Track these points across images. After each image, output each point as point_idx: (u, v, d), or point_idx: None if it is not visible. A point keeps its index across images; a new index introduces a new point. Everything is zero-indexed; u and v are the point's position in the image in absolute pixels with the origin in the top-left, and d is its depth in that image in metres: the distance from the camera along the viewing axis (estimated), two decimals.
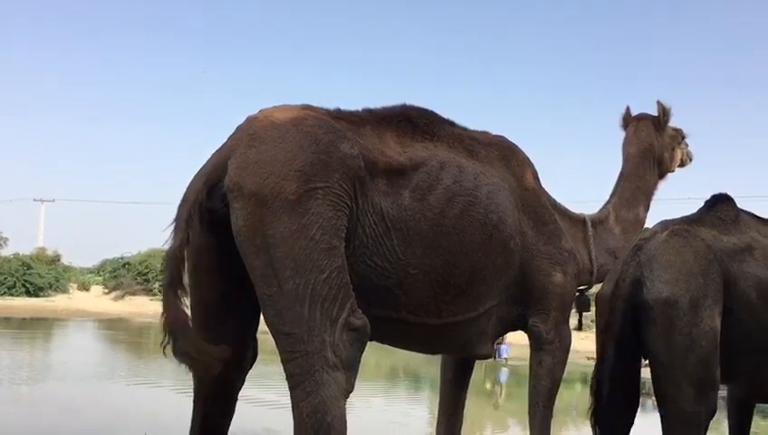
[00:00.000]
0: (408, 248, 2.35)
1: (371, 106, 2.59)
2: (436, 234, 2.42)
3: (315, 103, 2.44)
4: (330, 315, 2.06)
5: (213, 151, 2.27)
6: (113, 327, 18.74)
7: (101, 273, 32.71)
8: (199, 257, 2.26)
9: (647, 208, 3.51)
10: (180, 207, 2.19)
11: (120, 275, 29.63)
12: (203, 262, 2.26)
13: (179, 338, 2.06)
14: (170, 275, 2.09)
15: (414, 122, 2.59)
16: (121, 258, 31.26)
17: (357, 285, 2.18)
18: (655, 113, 3.60)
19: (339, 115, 2.42)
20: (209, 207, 2.17)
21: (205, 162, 2.26)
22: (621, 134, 3.64)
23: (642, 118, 3.61)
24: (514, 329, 2.96)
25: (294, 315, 2.03)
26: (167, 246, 2.13)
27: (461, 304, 2.57)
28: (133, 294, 28.20)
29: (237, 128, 2.29)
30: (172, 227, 2.16)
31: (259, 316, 2.31)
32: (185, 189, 2.24)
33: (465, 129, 2.83)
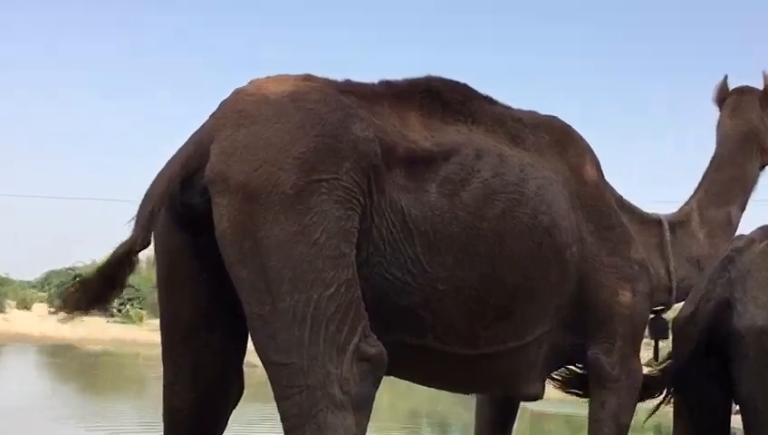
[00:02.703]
0: (436, 257, 2.36)
1: (389, 77, 2.62)
2: (471, 240, 2.43)
3: (318, 74, 2.47)
4: (336, 341, 2.07)
5: (191, 134, 2.29)
6: (60, 355, 18.90)
7: (46, 287, 32.96)
8: (172, 265, 2.28)
9: (742, 208, 3.46)
10: (144, 200, 2.21)
11: None
12: (177, 270, 2.28)
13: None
14: (103, 276, 2.16)
15: (443, 99, 2.60)
16: (72, 269, 31.36)
17: (371, 303, 2.19)
18: (761, 86, 3.53)
19: (348, 88, 2.43)
20: (185, 202, 2.19)
21: (180, 147, 2.28)
22: (714, 112, 3.59)
23: (745, 91, 3.55)
24: (570, 362, 2.97)
25: (292, 341, 2.05)
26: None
27: (503, 330, 2.57)
28: (86, 314, 28.36)
29: (222, 104, 2.30)
30: (131, 227, 2.18)
31: (246, 341, 2.33)
32: (152, 180, 2.26)
33: (507, 107, 2.84)
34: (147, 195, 2.22)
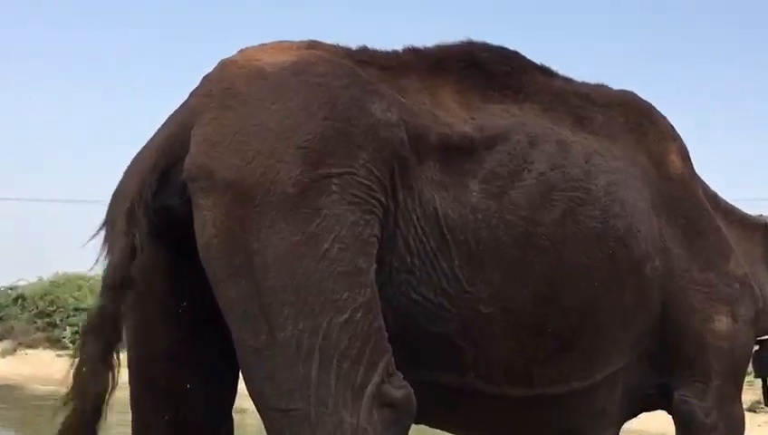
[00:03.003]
0: (479, 273, 2.37)
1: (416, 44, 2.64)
2: (523, 251, 2.43)
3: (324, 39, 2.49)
4: (351, 382, 2.07)
5: (168, 115, 2.32)
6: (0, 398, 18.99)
7: None
8: (144, 286, 2.28)
9: None
10: (114, 204, 2.22)
11: (11, 316, 29.95)
12: (150, 293, 2.30)
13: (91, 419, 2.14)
14: (103, 315, 2.16)
15: (487, 70, 2.62)
16: (11, 289, 31.50)
17: (395, 332, 2.19)
18: None
19: (366, 58, 2.45)
20: (160, 205, 2.21)
21: (154, 134, 2.29)
22: None
23: None
24: (651, 407, 2.96)
25: (295, 381, 2.05)
26: (97, 268, 2.18)
27: (565, 366, 2.57)
28: (30, 346, 28.46)
29: (205, 79, 2.32)
30: (102, 238, 2.19)
31: (237, 381, 2.36)
32: (121, 177, 2.27)
33: (568, 81, 2.85)
34: (117, 195, 2.23)
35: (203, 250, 2.12)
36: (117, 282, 2.15)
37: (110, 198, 2.27)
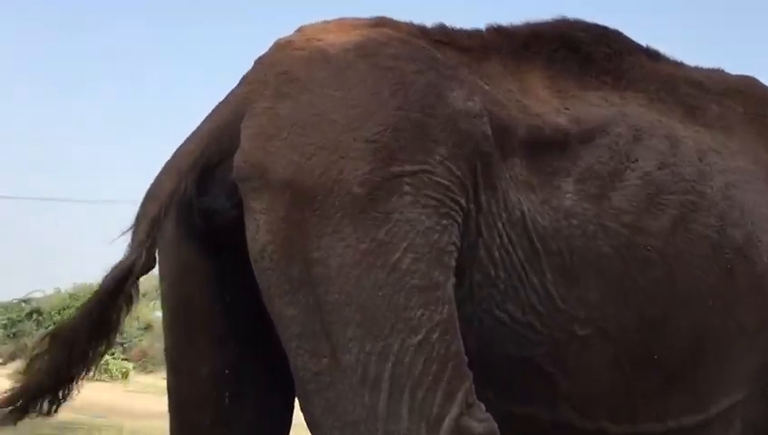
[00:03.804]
0: (574, 289, 2.35)
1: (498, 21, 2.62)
2: (625, 264, 2.40)
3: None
4: (426, 414, 2.04)
5: (214, 106, 2.31)
6: (8, 426, 19.32)
7: None
8: (186, 300, 2.32)
9: None
10: (145, 204, 2.22)
11: (24, 333, 30.46)
12: (192, 308, 2.32)
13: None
14: (85, 318, 2.17)
15: (583, 52, 2.62)
16: (25, 302, 32.12)
17: (475, 356, 2.17)
18: None
19: (443, 38, 2.43)
20: (205, 208, 2.22)
21: (198, 126, 2.29)
22: None
23: None
24: None
25: (360, 411, 2.04)
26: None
27: (674, 399, 2.52)
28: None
29: (258, 62, 2.33)
30: (128, 240, 2.19)
31: (292, 411, 2.39)
32: (156, 176, 2.28)
33: (678, 65, 2.82)
34: (149, 196, 2.23)
35: (255, 260, 2.11)
36: (108, 293, 2.16)
37: (144, 198, 2.27)
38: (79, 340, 2.20)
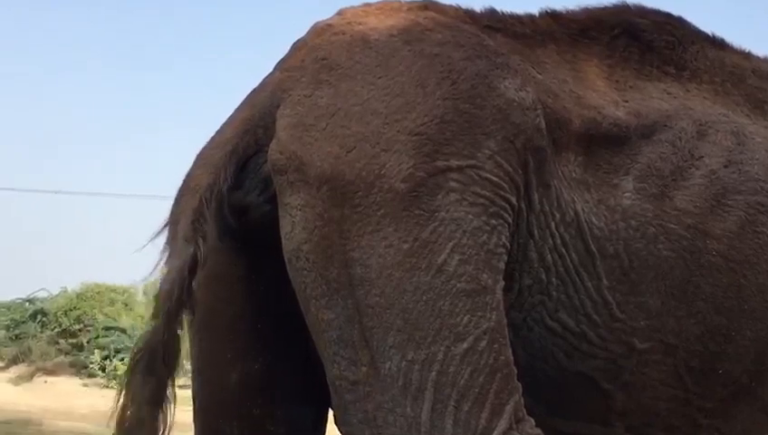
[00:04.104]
0: (632, 297, 2.32)
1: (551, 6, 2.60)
2: (688, 270, 2.37)
3: None
4: (473, 427, 2.03)
5: (248, 93, 2.31)
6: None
7: None
8: (215, 302, 2.32)
9: None
10: (180, 201, 2.22)
11: (28, 335, 30.54)
12: (221, 311, 2.32)
13: None
14: (155, 342, 2.14)
15: (644, 41, 2.60)
16: (29, 302, 32.20)
17: (524, 367, 2.16)
18: None
19: (493, 23, 2.42)
20: (236, 203, 2.21)
21: (231, 114, 2.29)
22: None
23: None
24: None
25: (402, 424, 2.03)
26: (157, 274, 2.18)
27: (740, 417, 2.51)
28: (50, 372, 28.97)
29: (295, 47, 2.33)
30: (164, 239, 2.20)
31: (325, 422, 2.38)
32: (188, 170, 2.28)
33: (746, 55, 2.79)
34: (184, 190, 2.23)
35: (290, 259, 2.11)
36: (175, 300, 2.14)
37: (176, 192, 2.28)
38: (158, 364, 2.17)
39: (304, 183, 2.09)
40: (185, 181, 2.26)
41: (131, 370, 2.19)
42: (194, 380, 2.40)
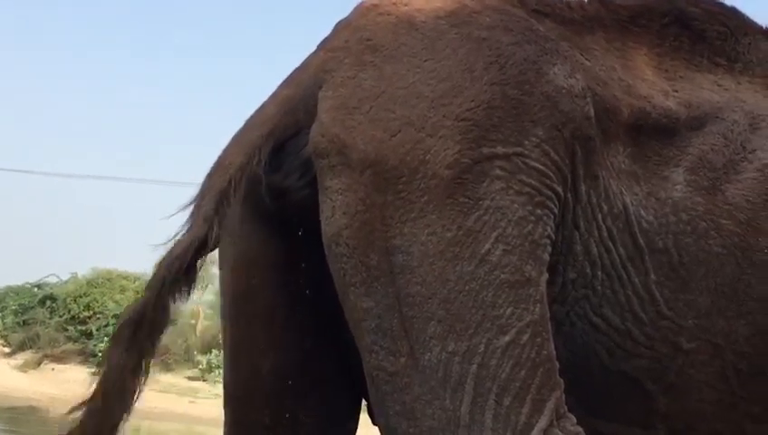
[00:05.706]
0: (681, 294, 2.29)
1: None
2: (740, 268, 2.34)
3: None
4: (513, 423, 2.02)
5: (288, 74, 2.30)
6: (15, 422, 19.48)
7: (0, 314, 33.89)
8: (249, 287, 2.32)
9: None
10: (211, 177, 2.22)
11: (36, 321, 30.52)
12: (256, 296, 2.32)
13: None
14: (143, 312, 2.15)
15: (696, 30, 2.57)
16: (38, 287, 32.25)
17: (565, 364, 2.15)
18: None
19: (542, 8, 2.41)
20: (275, 185, 2.20)
21: (270, 95, 2.28)
22: None
23: None
24: None
25: (440, 417, 2.02)
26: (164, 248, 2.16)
27: None
28: (58, 359, 28.99)
29: (338, 27, 2.32)
30: (187, 215, 2.19)
31: (359, 413, 2.41)
32: (223, 149, 2.27)
33: None
34: (216, 168, 2.21)
35: (329, 245, 2.10)
36: (173, 275, 2.14)
37: (210, 170, 2.26)
38: (141, 335, 2.17)
39: (346, 167, 2.08)
40: (219, 159, 2.25)
41: (115, 339, 2.19)
42: (225, 366, 2.40)
